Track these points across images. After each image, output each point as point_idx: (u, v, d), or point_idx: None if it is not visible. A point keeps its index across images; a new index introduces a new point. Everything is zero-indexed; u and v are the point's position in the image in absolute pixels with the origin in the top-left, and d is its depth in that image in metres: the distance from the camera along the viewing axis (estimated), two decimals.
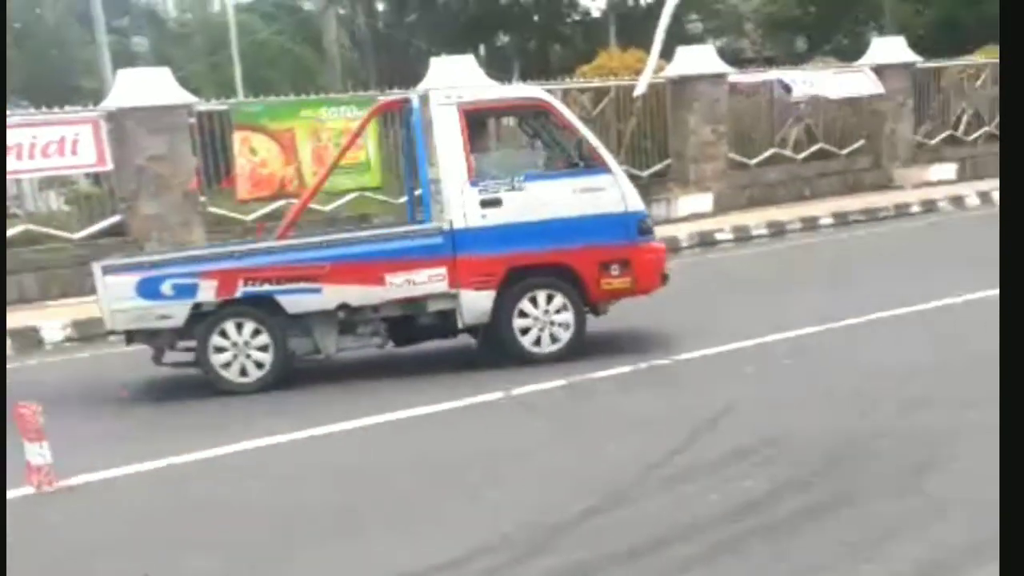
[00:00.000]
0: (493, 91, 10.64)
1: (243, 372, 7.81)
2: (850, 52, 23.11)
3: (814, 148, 17.67)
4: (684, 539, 4.48)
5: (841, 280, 10.63)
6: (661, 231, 14.45)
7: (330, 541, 4.74)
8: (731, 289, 10.98)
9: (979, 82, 19.28)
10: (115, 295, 7.72)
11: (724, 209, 16.02)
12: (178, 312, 7.72)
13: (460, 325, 8.06)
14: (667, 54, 16.37)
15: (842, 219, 15.20)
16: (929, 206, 15.95)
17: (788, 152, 17.47)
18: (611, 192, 8.06)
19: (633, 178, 15.80)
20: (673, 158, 16.43)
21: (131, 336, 8.03)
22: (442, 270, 7.88)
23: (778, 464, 5.29)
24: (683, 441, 5.74)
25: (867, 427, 5.86)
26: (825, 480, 5.10)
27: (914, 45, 18.84)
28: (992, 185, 16.71)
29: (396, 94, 12.18)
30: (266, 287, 7.80)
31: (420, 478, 5.50)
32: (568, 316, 8.04)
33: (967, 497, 4.71)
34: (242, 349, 7.80)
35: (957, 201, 16.17)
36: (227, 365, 7.80)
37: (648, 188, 16.09)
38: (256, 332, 7.81)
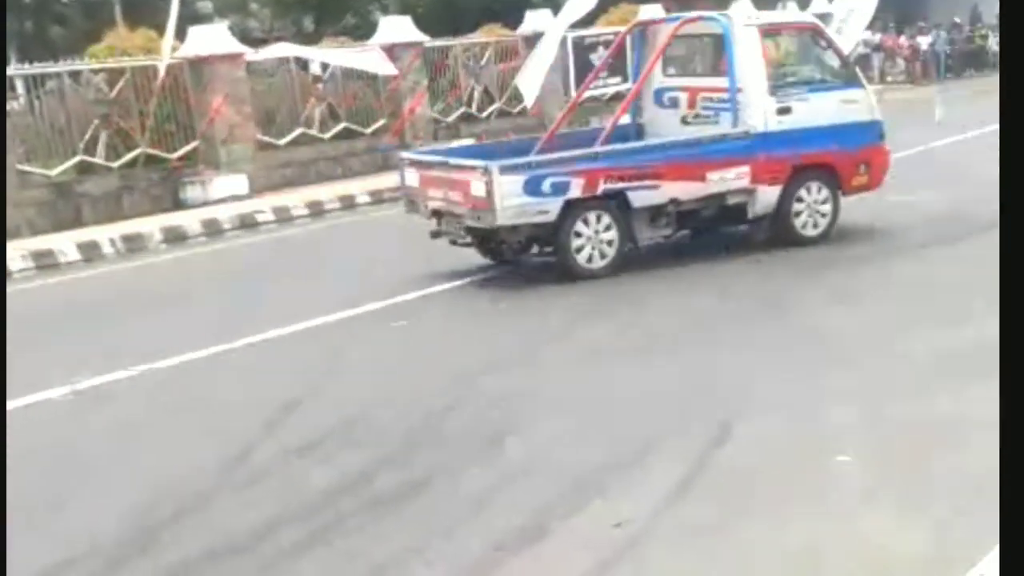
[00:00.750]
0: (780, 15, 13.77)
1: (589, 260, 8.89)
2: (358, 32, 23.61)
3: (339, 128, 17.81)
4: (288, 524, 4.53)
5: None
6: (200, 214, 14.10)
7: None
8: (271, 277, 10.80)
9: (484, 60, 20.40)
10: (507, 192, 8.48)
11: (260, 190, 15.73)
12: (553, 208, 8.69)
13: (750, 215, 9.44)
14: (180, 34, 15.71)
15: (377, 196, 15.46)
16: None
17: (315, 132, 17.48)
18: (863, 103, 9.79)
19: (161, 161, 15.30)
20: (201, 140, 15.81)
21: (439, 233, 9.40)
22: (747, 168, 9.22)
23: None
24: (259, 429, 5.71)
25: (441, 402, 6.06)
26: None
27: (417, 23, 19.42)
28: None
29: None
30: (620, 184, 8.89)
31: None
32: (828, 206, 9.67)
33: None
34: (594, 240, 8.90)
35: None
36: (579, 251, 8.83)
37: (178, 171, 15.43)
38: (608, 226, 8.88)
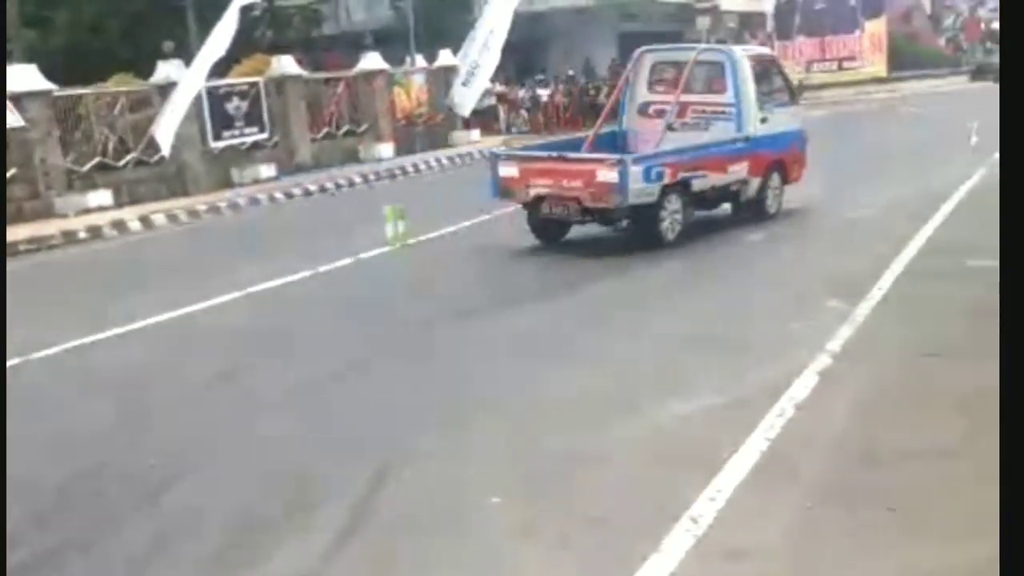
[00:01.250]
0: (756, 49, 16.55)
1: (669, 231, 11.33)
2: None
3: None
4: None
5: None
6: None
7: None
8: None
9: (117, 109, 19.90)
10: (634, 179, 10.75)
11: None
12: (655, 191, 11.03)
13: (742, 199, 12.40)
14: None
15: (12, 249, 14.72)
16: (96, 232, 16.16)
17: None
18: (798, 117, 13.39)
19: None
20: None
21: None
22: (746, 163, 12.19)
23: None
24: None
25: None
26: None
27: (45, 72, 18.68)
28: (150, 209, 17.61)
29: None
30: (686, 175, 11.41)
31: None
32: (779, 191, 12.85)
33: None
34: (672, 215, 11.35)
35: (120, 226, 16.64)
36: (662, 222, 11.23)
37: None
38: (677, 207, 11.39)
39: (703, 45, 14.80)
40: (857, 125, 25.14)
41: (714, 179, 11.88)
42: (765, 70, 13.05)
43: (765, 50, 17.11)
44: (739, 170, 12.16)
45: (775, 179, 12.80)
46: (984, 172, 14.21)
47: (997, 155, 15.32)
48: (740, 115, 12.32)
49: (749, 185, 12.36)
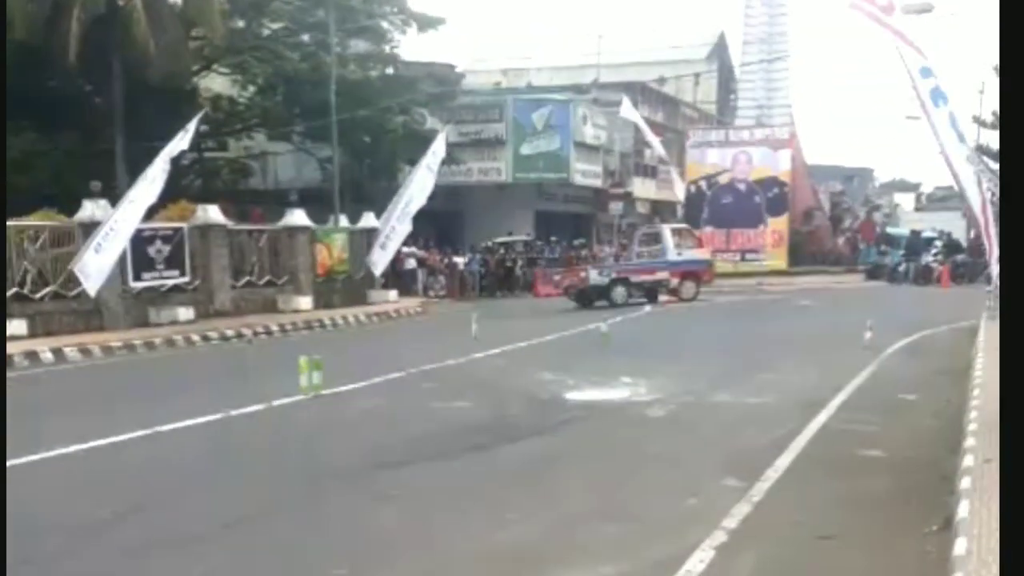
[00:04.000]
0: (679, 225, 35.48)
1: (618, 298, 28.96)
2: None
3: None
4: None
5: None
6: None
7: None
8: None
9: (38, 243, 19.99)
10: (593, 276, 29.57)
11: None
12: (606, 281, 29.45)
13: (668, 288, 29.56)
14: None
15: None
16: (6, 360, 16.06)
17: None
18: (704, 253, 32.39)
19: None
20: None
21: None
22: (668, 272, 29.46)
23: None
24: None
25: None
26: None
27: None
28: (64, 342, 17.59)
29: None
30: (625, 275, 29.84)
31: None
32: (694, 288, 30.06)
33: None
34: (619, 292, 29.00)
35: (32, 356, 16.58)
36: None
37: None
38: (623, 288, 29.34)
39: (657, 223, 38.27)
40: (756, 315, 26.28)
41: (642, 278, 29.32)
42: (682, 232, 31.54)
43: (684, 225, 35.16)
44: (663, 276, 29.38)
45: (688, 282, 29.67)
46: (874, 369, 14.99)
47: (889, 351, 16.33)
48: (665, 251, 29.63)
49: (671, 282, 29.34)
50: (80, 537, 7.22)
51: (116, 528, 7.47)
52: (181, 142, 20.19)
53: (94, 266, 18.92)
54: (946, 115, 14.97)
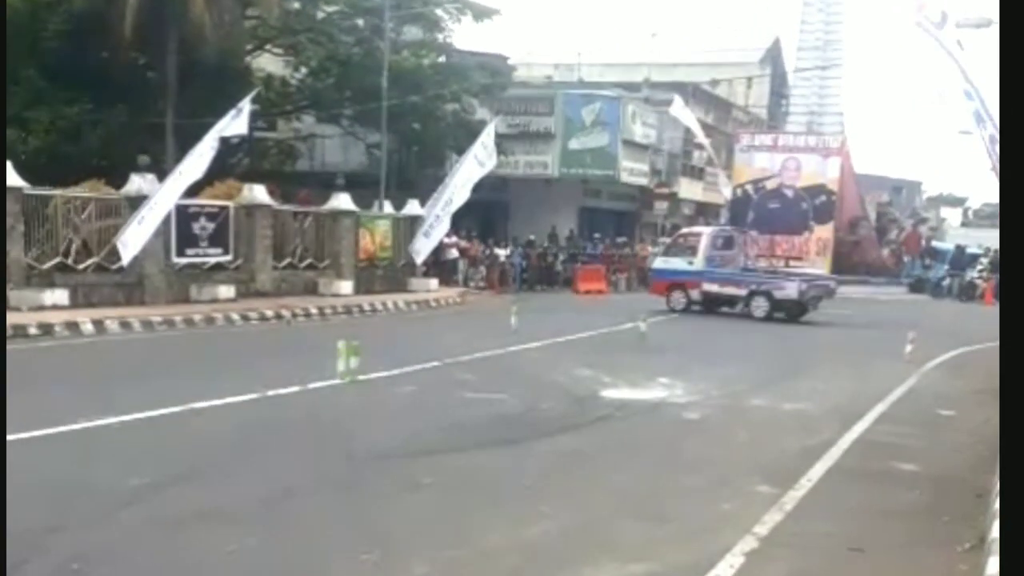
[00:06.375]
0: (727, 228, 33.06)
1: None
2: None
3: None
4: None
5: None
6: None
7: None
8: None
9: (85, 214, 20.19)
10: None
11: None
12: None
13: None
14: None
15: None
16: (47, 329, 16.29)
17: None
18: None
19: None
20: None
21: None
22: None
23: None
24: None
25: None
26: None
27: (20, 170, 18.97)
28: (105, 314, 17.75)
29: None
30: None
31: None
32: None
33: None
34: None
35: (72, 327, 16.77)
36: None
37: None
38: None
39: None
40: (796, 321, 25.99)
41: (724, 289, 26.34)
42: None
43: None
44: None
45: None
46: (913, 383, 14.84)
47: (929, 365, 16.13)
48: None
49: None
50: (112, 507, 7.27)
51: (149, 500, 7.52)
52: (237, 122, 20.19)
53: (133, 237, 19.12)
54: (987, 137, 15.58)
